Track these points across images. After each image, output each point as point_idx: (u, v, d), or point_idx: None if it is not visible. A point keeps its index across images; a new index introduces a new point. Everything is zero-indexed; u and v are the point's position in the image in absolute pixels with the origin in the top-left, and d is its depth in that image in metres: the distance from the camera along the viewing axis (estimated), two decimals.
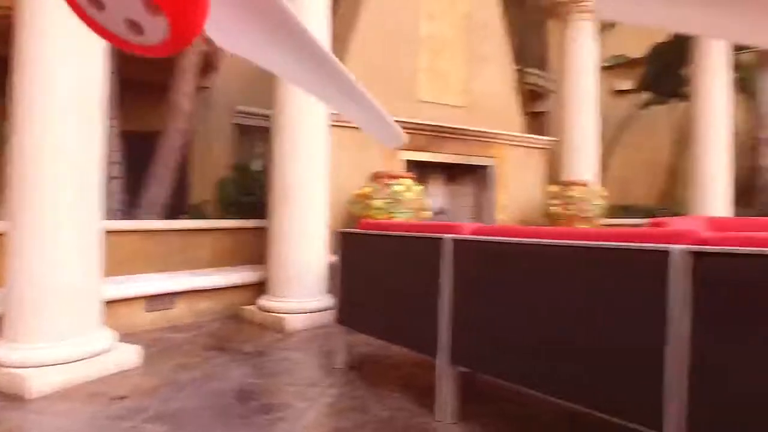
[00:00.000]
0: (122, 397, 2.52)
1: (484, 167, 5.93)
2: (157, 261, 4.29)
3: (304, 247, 4.04)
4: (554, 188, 6.02)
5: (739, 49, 7.10)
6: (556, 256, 1.88)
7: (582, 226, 5.60)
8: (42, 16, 2.62)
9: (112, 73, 3.47)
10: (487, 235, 2.26)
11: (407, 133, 5.44)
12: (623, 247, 1.63)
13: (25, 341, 2.60)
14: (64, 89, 2.67)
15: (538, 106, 9.48)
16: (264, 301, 4.12)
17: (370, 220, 3.28)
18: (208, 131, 6.91)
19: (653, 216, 6.57)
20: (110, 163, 3.94)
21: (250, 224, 4.84)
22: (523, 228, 2.26)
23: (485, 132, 5.75)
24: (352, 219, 4.57)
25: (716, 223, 4.28)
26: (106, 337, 2.90)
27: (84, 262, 2.77)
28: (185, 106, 5.00)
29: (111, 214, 3.94)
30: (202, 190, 6.46)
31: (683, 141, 8.64)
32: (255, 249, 4.71)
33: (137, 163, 4.87)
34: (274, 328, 3.94)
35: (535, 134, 6.41)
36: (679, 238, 1.52)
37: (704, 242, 1.47)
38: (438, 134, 5.43)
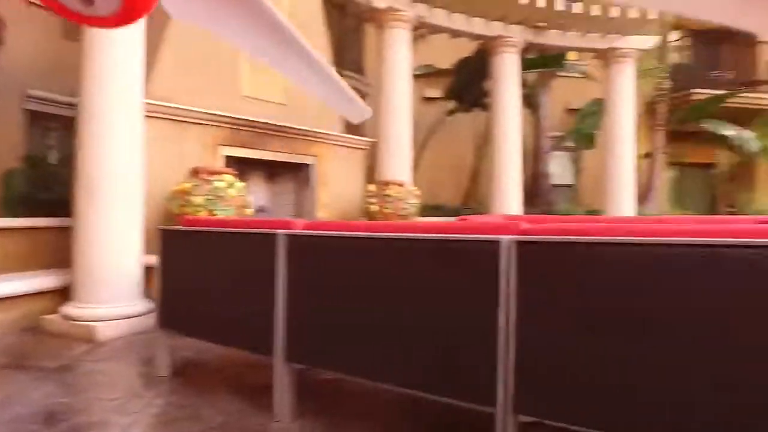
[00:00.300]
0: None
1: (305, 165, 5.97)
2: None
3: (115, 247, 3.69)
4: (372, 187, 6.29)
5: (526, 67, 8.08)
6: (393, 249, 1.97)
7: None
8: None
9: None
10: (321, 230, 2.29)
11: (227, 128, 5.27)
12: (459, 238, 1.77)
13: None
14: None
15: None
16: (69, 309, 3.68)
17: (193, 217, 3.12)
18: None
19: (459, 214, 7.21)
20: None
21: (51, 223, 4.29)
22: (357, 222, 2.33)
23: (307, 130, 5.79)
24: (169, 217, 4.29)
25: (511, 219, 4.81)
26: None
27: None
28: None
29: None
30: None
31: (484, 147, 9.59)
32: (58, 251, 4.18)
33: None
34: (82, 338, 3.53)
35: (353, 135, 6.61)
36: (506, 230, 1.70)
37: (526, 233, 1.67)
38: (260, 131, 5.34)
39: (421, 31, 7.56)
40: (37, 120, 6.30)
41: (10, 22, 5.60)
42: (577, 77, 10.45)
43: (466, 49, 8.54)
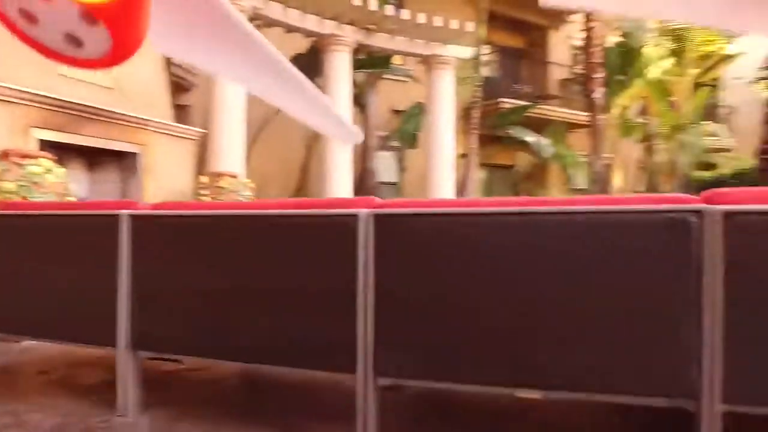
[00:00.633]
0: None
1: (131, 154, 5.56)
2: None
3: None
4: (205, 179, 6.07)
5: (356, 67, 8.38)
6: (252, 226, 1.98)
7: None
8: None
9: None
10: (171, 210, 2.21)
11: (41, 109, 4.80)
12: (318, 213, 1.83)
13: None
14: None
15: (182, 99, 9.32)
16: None
17: (7, 201, 2.77)
18: None
19: None
20: None
21: None
22: (207, 203, 2.28)
23: (132, 116, 5.40)
24: None
25: None
26: None
27: None
28: None
29: None
30: None
31: (314, 143, 9.72)
32: None
33: None
34: None
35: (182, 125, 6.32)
36: (364, 204, 1.80)
37: (382, 206, 1.79)
38: (79, 114, 4.86)
39: (256, 23, 7.45)
40: None
41: None
42: (403, 80, 11.07)
43: (301, 45, 8.59)
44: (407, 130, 10.47)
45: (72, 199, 4.14)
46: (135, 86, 5.34)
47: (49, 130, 4.55)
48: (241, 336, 1.99)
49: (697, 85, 13.35)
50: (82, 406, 2.20)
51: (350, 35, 7.74)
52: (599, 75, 10.44)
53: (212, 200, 5.93)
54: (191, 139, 6.36)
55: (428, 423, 2.16)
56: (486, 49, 11.88)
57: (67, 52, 0.59)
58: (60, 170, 3.99)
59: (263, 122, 9.51)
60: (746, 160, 11.35)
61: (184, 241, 2.11)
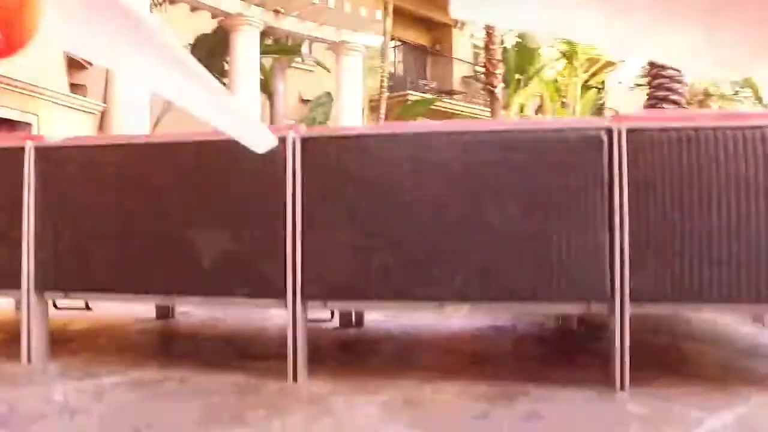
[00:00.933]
0: None
1: (24, 124, 5.14)
2: None
3: None
4: None
5: (264, 52, 8.25)
6: (175, 155, 1.91)
7: None
8: None
9: None
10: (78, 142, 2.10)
11: None
12: None
13: None
14: None
15: (79, 78, 8.75)
16: None
17: None
18: None
19: None
20: None
21: None
22: (119, 135, 2.19)
23: (27, 83, 5.00)
24: None
25: None
26: None
27: None
28: None
29: None
30: None
31: None
32: None
33: None
34: None
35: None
36: (293, 129, 1.80)
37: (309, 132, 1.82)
38: None
39: None
40: None
41: None
42: (311, 70, 11.03)
43: (208, 25, 8.33)
44: (315, 118, 10.43)
45: None
46: (29, 52, 4.93)
47: None
48: (161, 270, 1.91)
49: (586, 87, 14.32)
50: None
51: (259, 16, 7.61)
52: (499, 72, 10.94)
53: None
54: (91, 112, 5.99)
55: (353, 351, 2.20)
56: (393, 44, 12.11)
57: None
58: None
59: (168, 103, 9.12)
60: None
61: (95, 174, 2.00)
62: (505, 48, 11.82)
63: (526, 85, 12.73)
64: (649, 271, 1.66)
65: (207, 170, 1.88)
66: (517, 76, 12.35)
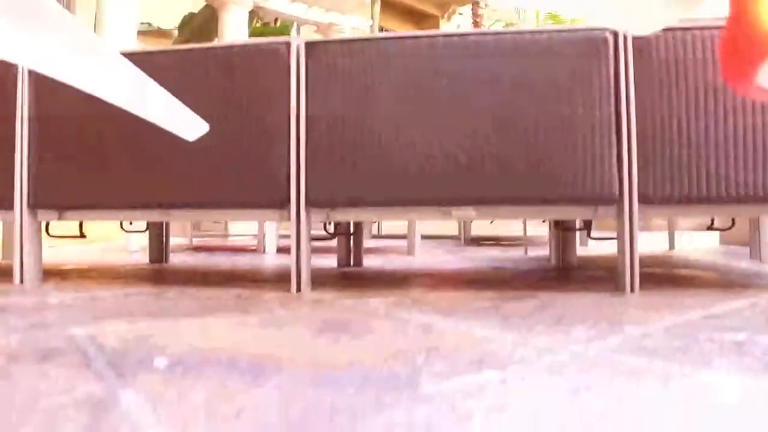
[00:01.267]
0: None
1: None
2: None
3: None
4: None
5: (252, 35, 8.18)
6: (177, 63, 1.87)
7: None
8: None
9: None
10: None
11: None
12: (253, 42, 1.77)
13: None
14: None
15: None
16: None
17: None
18: None
19: None
20: None
21: None
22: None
23: None
24: None
25: None
26: None
27: None
28: None
29: None
30: None
31: None
32: None
33: None
34: None
35: None
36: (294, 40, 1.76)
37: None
38: None
39: None
40: None
41: None
42: None
43: (197, 4, 8.25)
44: None
45: None
46: None
47: None
48: (157, 182, 1.86)
49: None
50: None
51: None
52: None
53: None
54: None
55: (355, 278, 2.17)
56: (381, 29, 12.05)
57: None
58: None
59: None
60: None
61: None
62: None
63: None
64: (657, 171, 1.65)
65: (209, 78, 1.84)
66: None
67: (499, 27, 12.94)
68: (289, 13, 8.26)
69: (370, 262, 2.78)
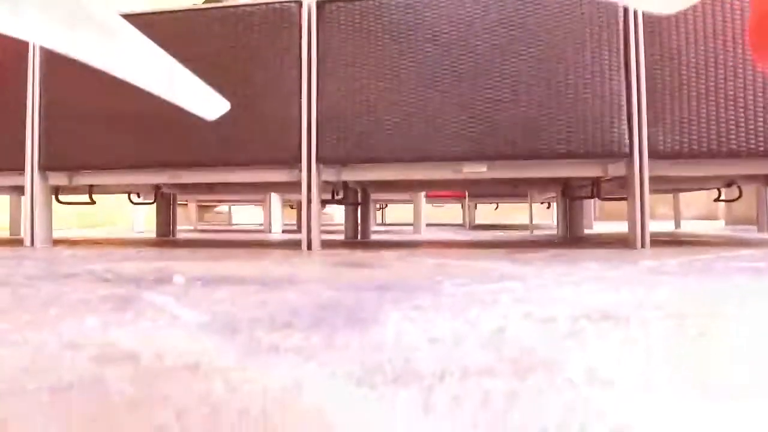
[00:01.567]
0: None
1: None
2: None
3: None
4: None
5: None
6: (187, 23, 1.88)
7: None
8: None
9: None
10: None
11: None
12: (264, 1, 1.79)
13: None
14: None
15: None
16: None
17: None
18: None
19: None
20: None
21: None
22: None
23: None
24: None
25: None
26: None
27: None
28: None
29: None
30: None
31: None
32: None
33: None
34: None
35: None
36: None
37: None
38: None
39: None
40: None
41: None
42: None
43: None
44: None
45: None
46: None
47: None
48: (169, 144, 1.87)
49: None
50: None
51: None
52: None
53: None
54: None
55: (363, 246, 2.16)
56: None
57: None
58: None
59: None
60: None
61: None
62: None
63: None
64: (668, 126, 1.66)
65: (217, 37, 1.84)
66: None
67: None
68: None
69: (377, 237, 2.78)
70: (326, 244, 1.93)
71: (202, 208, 5.83)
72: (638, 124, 1.66)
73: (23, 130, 1.94)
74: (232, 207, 6.13)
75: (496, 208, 5.22)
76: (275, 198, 3.66)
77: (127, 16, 0.99)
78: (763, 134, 1.63)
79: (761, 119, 1.63)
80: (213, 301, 0.71)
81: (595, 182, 1.96)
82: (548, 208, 4.50)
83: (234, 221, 6.46)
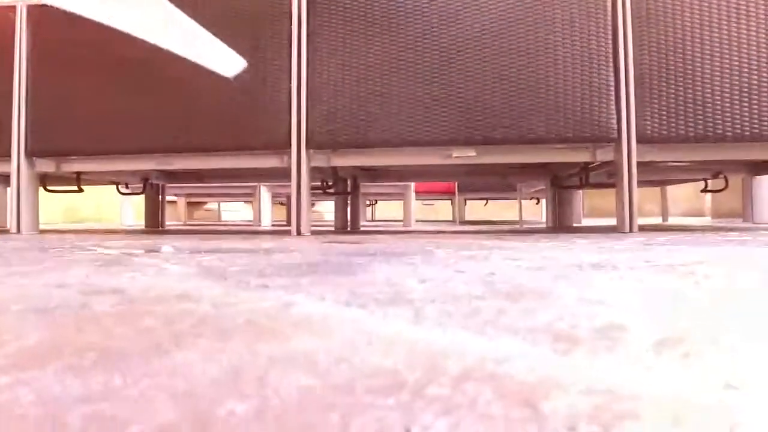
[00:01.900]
0: None
1: None
2: None
3: None
4: None
5: None
6: None
7: None
8: None
9: None
10: None
11: None
12: None
13: None
14: None
15: None
16: None
17: None
18: None
19: None
20: None
21: None
22: None
23: None
24: None
25: None
26: None
27: None
28: None
29: None
30: None
31: None
32: None
33: None
34: None
35: None
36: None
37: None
38: None
39: None
40: None
41: None
42: None
43: None
44: None
45: None
46: None
47: None
48: (160, 130, 1.86)
49: None
50: None
51: None
52: None
53: None
54: None
55: (353, 233, 2.15)
56: None
57: None
58: None
59: None
60: None
61: (89, 31, 1.94)
62: None
63: None
64: (656, 109, 1.67)
65: (210, 25, 1.83)
66: None
67: None
68: None
69: (367, 229, 2.78)
70: (316, 233, 1.93)
71: (192, 205, 5.80)
72: (626, 108, 1.67)
73: (9, 115, 1.92)
74: (221, 204, 6.10)
75: (486, 203, 5.24)
76: (265, 193, 3.64)
77: None
78: (748, 119, 1.65)
79: (746, 105, 1.64)
80: (201, 261, 0.71)
81: (584, 170, 1.97)
82: (537, 203, 4.53)
83: (223, 219, 6.43)
